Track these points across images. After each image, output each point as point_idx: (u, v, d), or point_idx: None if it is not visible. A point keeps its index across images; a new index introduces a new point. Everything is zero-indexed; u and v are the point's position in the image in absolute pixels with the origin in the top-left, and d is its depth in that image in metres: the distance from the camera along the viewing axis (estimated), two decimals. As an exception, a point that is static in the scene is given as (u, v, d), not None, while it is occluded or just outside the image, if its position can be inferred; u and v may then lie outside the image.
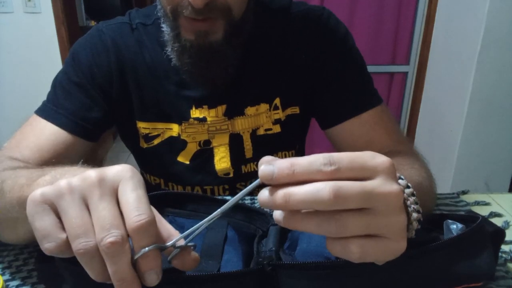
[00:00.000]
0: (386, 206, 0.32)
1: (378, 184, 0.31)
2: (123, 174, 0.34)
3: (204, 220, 0.35)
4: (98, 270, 0.32)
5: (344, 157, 0.31)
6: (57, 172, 0.44)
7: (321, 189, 0.30)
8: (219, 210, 0.34)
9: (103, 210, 0.32)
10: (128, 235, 0.32)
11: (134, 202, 0.32)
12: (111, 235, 0.31)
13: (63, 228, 0.33)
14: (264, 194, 0.32)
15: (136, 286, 0.32)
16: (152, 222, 0.32)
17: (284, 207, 0.31)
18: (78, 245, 0.31)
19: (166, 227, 0.36)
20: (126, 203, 0.32)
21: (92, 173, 0.34)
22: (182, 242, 0.35)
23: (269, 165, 0.31)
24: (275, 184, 0.31)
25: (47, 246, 0.32)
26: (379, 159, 0.32)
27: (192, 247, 0.36)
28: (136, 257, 0.32)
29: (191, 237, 0.35)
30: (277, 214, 0.33)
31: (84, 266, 0.32)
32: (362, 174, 0.31)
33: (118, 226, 0.31)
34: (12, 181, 0.47)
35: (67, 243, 0.32)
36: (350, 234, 0.31)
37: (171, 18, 0.62)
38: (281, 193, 0.31)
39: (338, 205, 0.30)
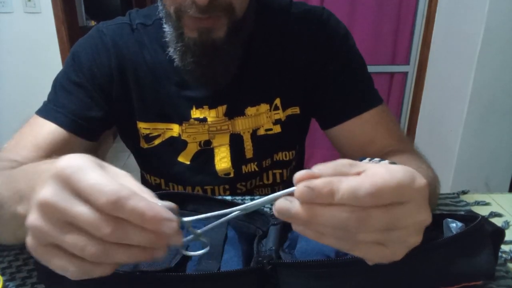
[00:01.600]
0: (406, 230, 0.33)
1: (407, 212, 0.32)
2: (63, 174, 0.31)
3: (225, 211, 0.35)
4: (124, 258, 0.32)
5: (387, 189, 0.31)
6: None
7: (348, 218, 0.30)
8: (243, 206, 0.34)
9: (82, 215, 0.31)
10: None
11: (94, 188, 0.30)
12: (105, 195, 0.30)
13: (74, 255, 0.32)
14: (285, 205, 0.32)
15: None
16: (119, 192, 0.30)
17: (306, 223, 0.32)
18: (86, 255, 0.31)
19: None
20: (87, 192, 0.31)
21: (44, 195, 0.31)
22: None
23: (307, 188, 0.30)
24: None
25: (74, 276, 0.32)
26: (417, 185, 0.33)
27: (204, 240, 0.37)
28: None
29: (206, 228, 0.36)
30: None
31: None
32: (399, 200, 0.32)
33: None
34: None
35: (87, 264, 0.32)
36: (360, 241, 0.32)
37: (174, 18, 0.63)
38: (308, 212, 0.31)
39: (360, 230, 0.31)
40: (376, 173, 0.32)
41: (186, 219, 0.34)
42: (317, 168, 0.32)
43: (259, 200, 0.33)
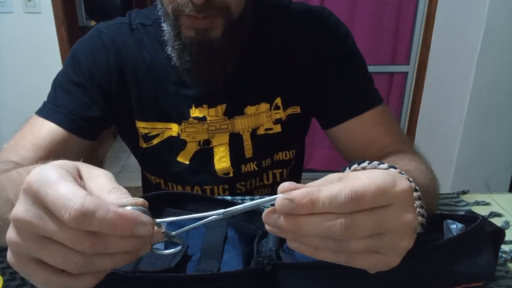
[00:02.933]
0: (395, 234, 0.33)
1: (392, 214, 0.32)
2: (31, 190, 0.31)
3: (204, 216, 0.34)
4: (102, 268, 0.32)
5: (367, 193, 0.31)
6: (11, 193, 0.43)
7: (333, 225, 0.30)
8: (221, 211, 0.34)
9: (56, 231, 0.30)
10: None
11: (57, 202, 0.30)
12: (68, 210, 0.28)
13: (53, 268, 0.31)
14: (271, 219, 0.32)
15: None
16: (83, 207, 0.29)
17: (292, 235, 0.32)
18: (69, 268, 0.30)
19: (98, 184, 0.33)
20: (52, 207, 0.30)
21: (16, 212, 0.31)
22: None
23: (286, 201, 0.31)
24: None
25: None
26: (399, 188, 0.33)
27: (180, 245, 0.36)
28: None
29: (182, 230, 0.35)
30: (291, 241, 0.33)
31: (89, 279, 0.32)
32: (381, 203, 0.32)
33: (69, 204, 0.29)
34: None
35: (67, 276, 0.31)
36: (353, 250, 0.32)
37: (172, 17, 0.63)
38: (291, 223, 0.31)
39: (348, 237, 0.31)
40: (356, 178, 0.32)
41: (159, 220, 0.33)
42: (306, 185, 0.33)
43: (239, 206, 0.33)
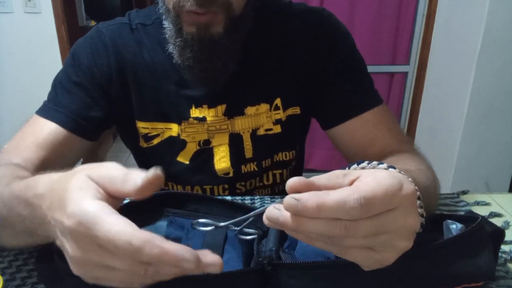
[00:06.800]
0: (394, 234, 0.33)
1: (395, 217, 0.32)
2: (79, 232, 0.33)
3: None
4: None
5: (375, 199, 0.31)
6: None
7: (334, 226, 0.31)
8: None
9: (114, 265, 0.33)
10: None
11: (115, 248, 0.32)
12: (121, 250, 0.31)
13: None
14: (274, 214, 0.32)
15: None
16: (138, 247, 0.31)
17: (293, 231, 0.32)
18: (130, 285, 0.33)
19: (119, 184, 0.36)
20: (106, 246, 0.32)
21: (74, 254, 0.33)
22: None
23: (293, 200, 0.31)
24: None
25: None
26: (405, 191, 0.33)
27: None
28: None
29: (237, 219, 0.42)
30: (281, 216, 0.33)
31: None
32: (388, 207, 0.32)
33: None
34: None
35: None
36: (348, 246, 0.33)
37: (173, 14, 0.63)
38: (294, 221, 0.31)
39: (348, 236, 0.31)
40: (364, 183, 0.32)
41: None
42: (312, 179, 0.33)
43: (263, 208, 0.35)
